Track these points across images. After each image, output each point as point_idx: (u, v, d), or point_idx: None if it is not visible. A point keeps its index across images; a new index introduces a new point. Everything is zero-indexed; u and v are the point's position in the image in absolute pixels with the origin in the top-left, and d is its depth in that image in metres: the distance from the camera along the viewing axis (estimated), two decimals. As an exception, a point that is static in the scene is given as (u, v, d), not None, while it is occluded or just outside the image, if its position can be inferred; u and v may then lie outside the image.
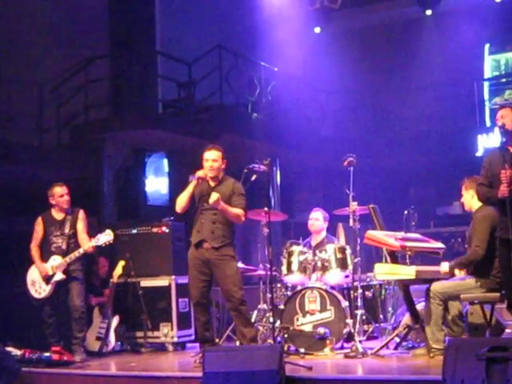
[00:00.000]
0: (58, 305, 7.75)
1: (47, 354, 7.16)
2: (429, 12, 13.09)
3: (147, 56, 11.87)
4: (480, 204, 6.62)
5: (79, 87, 11.18)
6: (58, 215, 7.82)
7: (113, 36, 11.97)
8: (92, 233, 7.84)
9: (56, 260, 7.64)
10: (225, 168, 6.96)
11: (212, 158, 6.84)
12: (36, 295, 7.73)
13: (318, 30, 13.69)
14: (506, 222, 5.65)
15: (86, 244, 7.64)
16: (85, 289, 7.82)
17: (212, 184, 6.87)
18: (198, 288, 6.80)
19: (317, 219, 8.38)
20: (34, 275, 7.75)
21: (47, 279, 7.64)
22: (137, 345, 8.56)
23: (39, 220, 7.84)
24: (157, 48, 12.33)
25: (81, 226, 7.78)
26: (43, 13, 11.54)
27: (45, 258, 7.71)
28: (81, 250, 7.62)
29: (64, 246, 7.70)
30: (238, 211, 6.82)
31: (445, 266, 6.69)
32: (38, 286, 7.71)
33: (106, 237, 7.66)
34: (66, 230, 7.72)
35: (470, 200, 6.81)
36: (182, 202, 6.87)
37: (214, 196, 6.62)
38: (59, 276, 7.60)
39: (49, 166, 10.32)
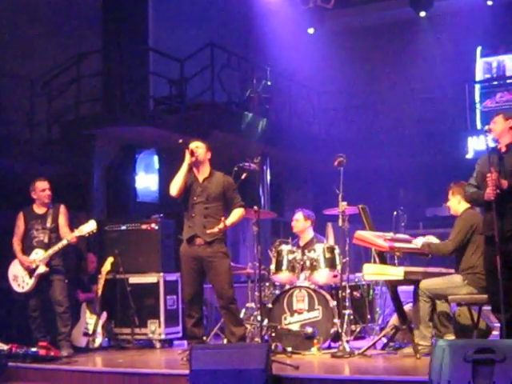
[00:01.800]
0: (43, 300, 7.72)
1: (34, 349, 7.12)
2: (423, 14, 13.08)
3: (139, 52, 11.84)
4: (465, 207, 6.76)
5: (71, 82, 11.13)
6: (39, 209, 7.81)
7: (105, 32, 11.94)
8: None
9: (38, 253, 7.63)
10: (210, 160, 6.89)
11: (195, 145, 6.80)
12: (19, 290, 7.70)
13: (311, 30, 13.67)
14: (491, 218, 5.72)
15: (70, 235, 7.63)
16: (68, 284, 7.80)
17: (201, 179, 6.82)
18: (192, 285, 6.74)
19: (297, 220, 8.40)
20: (15, 270, 7.72)
21: (30, 272, 7.62)
22: (124, 341, 8.54)
23: (20, 215, 7.83)
24: (149, 44, 12.29)
25: (62, 220, 7.77)
26: (36, 7, 11.49)
27: (27, 252, 7.69)
28: (64, 242, 7.62)
29: (46, 240, 7.68)
30: (239, 213, 6.83)
31: (418, 241, 6.87)
32: (20, 281, 7.68)
33: (88, 227, 7.65)
34: (48, 224, 7.71)
35: (457, 205, 6.93)
36: (177, 182, 6.74)
37: (215, 230, 6.60)
38: (42, 269, 7.58)
39: (39, 160, 10.27)
